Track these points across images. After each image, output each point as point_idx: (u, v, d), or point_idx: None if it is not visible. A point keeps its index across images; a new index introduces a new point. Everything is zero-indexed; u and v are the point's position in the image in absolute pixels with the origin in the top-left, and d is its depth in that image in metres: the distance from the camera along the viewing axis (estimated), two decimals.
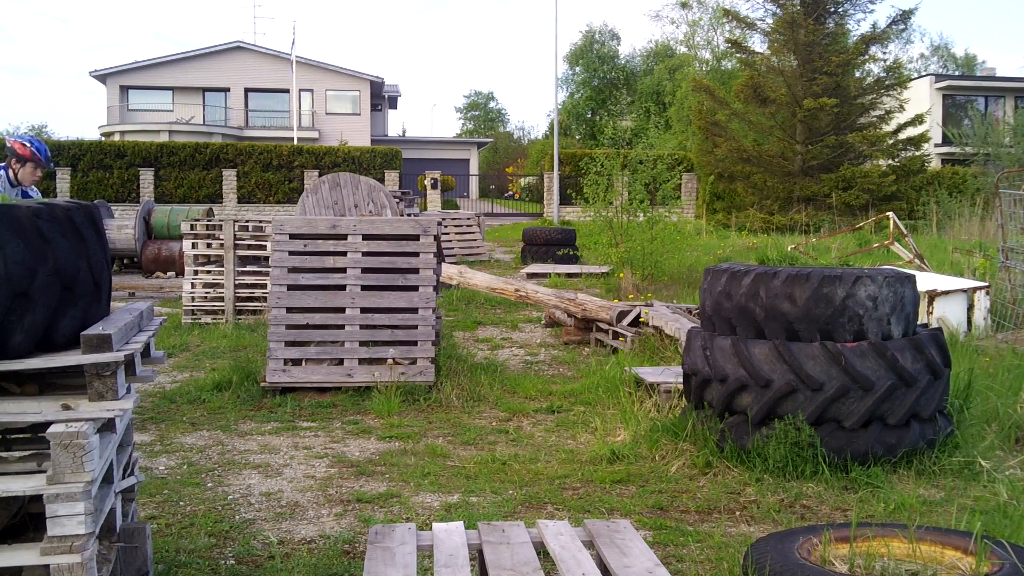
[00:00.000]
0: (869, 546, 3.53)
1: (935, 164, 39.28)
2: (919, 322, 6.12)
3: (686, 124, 43.44)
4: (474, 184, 51.16)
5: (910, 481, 5.38)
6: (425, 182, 36.91)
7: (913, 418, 5.57)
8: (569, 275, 16.93)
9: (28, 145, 7.10)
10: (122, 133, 47.01)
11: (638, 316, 9.82)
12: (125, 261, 20.46)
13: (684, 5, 58.59)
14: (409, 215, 18.06)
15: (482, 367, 8.97)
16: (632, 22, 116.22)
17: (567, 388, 8.30)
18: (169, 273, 19.03)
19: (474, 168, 56.24)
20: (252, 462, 6.02)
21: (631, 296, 12.84)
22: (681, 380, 6.51)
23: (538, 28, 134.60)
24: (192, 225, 12.85)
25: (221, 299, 12.48)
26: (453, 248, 21.12)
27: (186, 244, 12.78)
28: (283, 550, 4.43)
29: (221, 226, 12.65)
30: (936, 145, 40.90)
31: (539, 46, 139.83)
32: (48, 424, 2.94)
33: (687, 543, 4.50)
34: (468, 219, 23.36)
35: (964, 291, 10.18)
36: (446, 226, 21.41)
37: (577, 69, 66.73)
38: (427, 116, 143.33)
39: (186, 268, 12.72)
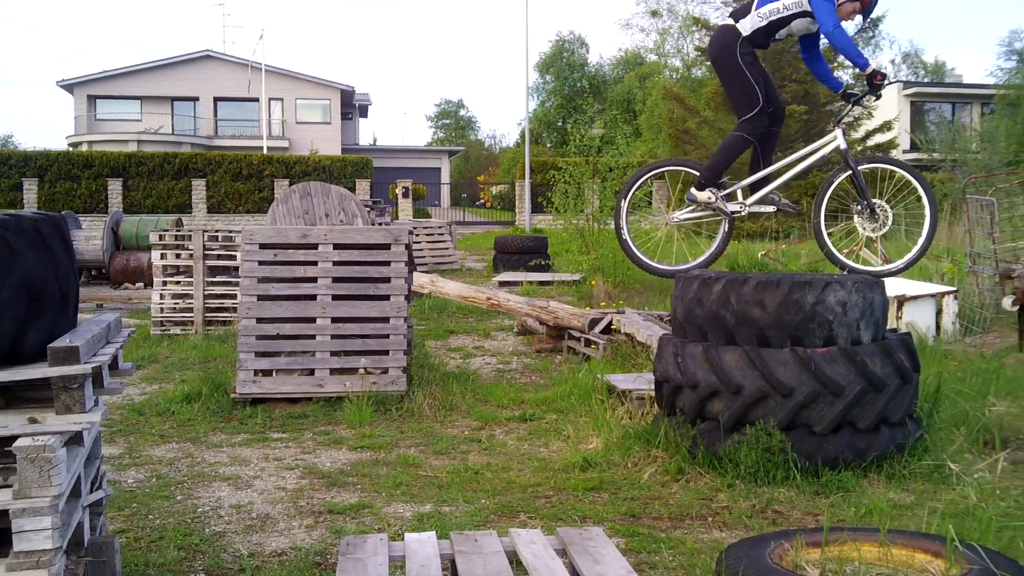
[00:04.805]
0: (840, 551, 3.54)
1: None
2: (888, 327, 6.16)
3: (656, 132, 43.68)
4: (446, 193, 51.16)
5: (880, 485, 5.41)
6: (396, 191, 36.88)
7: (883, 422, 5.61)
8: (541, 283, 16.94)
9: None
10: (90, 143, 46.70)
11: (610, 323, 9.84)
12: (93, 272, 20.28)
13: (654, 14, 59.00)
14: (380, 224, 18.02)
15: (454, 376, 8.95)
16: (602, 30, 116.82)
17: (539, 396, 8.30)
18: (138, 284, 18.87)
19: (445, 177, 56.25)
20: (222, 474, 5.97)
21: (603, 304, 12.87)
22: (653, 387, 6.52)
23: (508, 36, 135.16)
24: (161, 235, 12.77)
25: (190, 310, 12.40)
26: (425, 257, 21.09)
27: (155, 255, 12.70)
28: (254, 563, 4.39)
29: (190, 236, 12.57)
30: (904, 151, 41.32)
31: (509, 54, 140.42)
32: (14, 438, 2.90)
33: (660, 550, 4.50)
34: (440, 228, 23.35)
35: (933, 296, 10.28)
36: (417, 235, 21.38)
37: (547, 77, 66.95)
38: (398, 124, 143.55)
39: (155, 279, 12.64)
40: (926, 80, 58.57)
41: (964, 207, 12.06)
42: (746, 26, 6.52)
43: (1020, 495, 5.10)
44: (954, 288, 10.79)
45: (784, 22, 6.50)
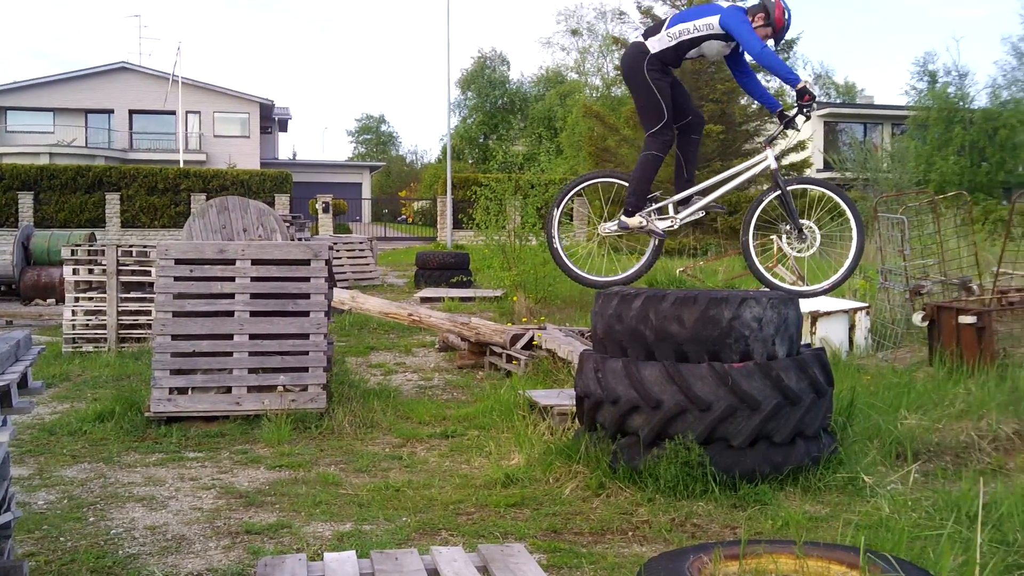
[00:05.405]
0: (758, 563, 3.59)
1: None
2: (803, 342, 6.28)
3: (577, 149, 44.03)
4: (367, 208, 50.84)
5: (796, 498, 5.50)
6: (317, 206, 36.57)
7: (798, 436, 5.71)
8: (463, 299, 16.93)
9: (787, 14, 6.60)
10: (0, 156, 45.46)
11: (531, 339, 9.87)
12: (3, 288, 19.70)
13: (575, 33, 59.64)
14: (300, 239, 17.84)
15: (375, 393, 8.89)
16: (523, 48, 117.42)
17: (461, 412, 8.28)
18: (49, 300, 18.40)
19: (367, 192, 55.91)
20: (136, 495, 5.84)
21: (525, 319, 12.91)
22: (574, 403, 6.55)
23: (430, 52, 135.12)
24: (73, 250, 12.47)
25: (103, 327, 12.11)
26: (345, 273, 20.92)
27: (67, 270, 12.38)
28: None
29: (103, 251, 12.30)
30: (818, 171, 42.26)
31: (431, 70, 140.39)
32: None
33: (581, 565, 4.52)
34: (361, 243, 23.18)
35: (845, 312, 10.51)
36: (338, 250, 21.21)
37: (469, 94, 67.06)
38: (319, 139, 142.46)
39: (67, 295, 12.33)
40: (839, 101, 60.07)
41: (875, 225, 12.37)
42: (654, 45, 6.59)
43: (931, 506, 5.23)
44: (866, 304, 11.05)
45: (695, 43, 6.59)
